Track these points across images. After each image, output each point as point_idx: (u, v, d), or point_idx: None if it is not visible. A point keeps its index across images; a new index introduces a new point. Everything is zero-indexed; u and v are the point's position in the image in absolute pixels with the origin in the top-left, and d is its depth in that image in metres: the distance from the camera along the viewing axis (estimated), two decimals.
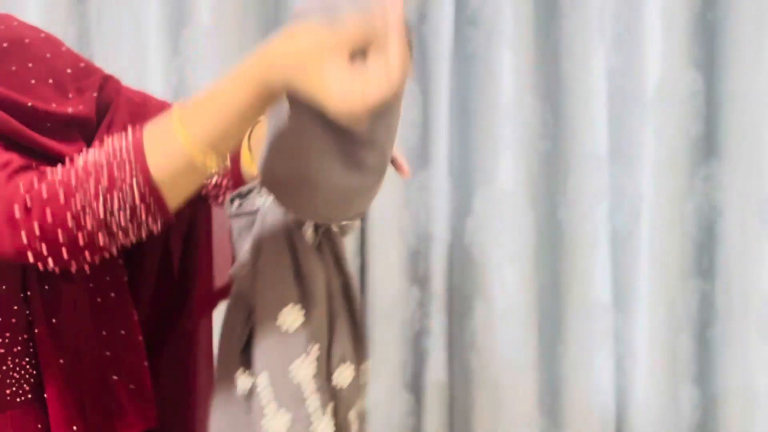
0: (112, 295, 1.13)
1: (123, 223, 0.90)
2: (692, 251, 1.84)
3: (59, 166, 0.93)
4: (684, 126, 1.80)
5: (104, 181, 0.89)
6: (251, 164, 1.11)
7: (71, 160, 0.93)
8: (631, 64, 1.80)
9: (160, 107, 1.15)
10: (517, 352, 1.81)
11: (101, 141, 0.96)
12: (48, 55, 1.07)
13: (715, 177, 1.84)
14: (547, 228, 1.83)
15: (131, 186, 0.89)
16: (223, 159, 0.91)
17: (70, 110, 1.05)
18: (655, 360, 1.83)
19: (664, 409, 1.84)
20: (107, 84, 1.13)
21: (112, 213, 0.89)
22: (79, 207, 0.89)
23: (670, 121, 1.79)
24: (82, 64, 1.12)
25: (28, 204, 0.90)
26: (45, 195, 0.90)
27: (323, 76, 0.82)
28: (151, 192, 0.89)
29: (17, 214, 0.90)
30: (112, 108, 1.12)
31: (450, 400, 1.85)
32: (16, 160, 0.94)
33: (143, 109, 1.15)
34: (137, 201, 0.89)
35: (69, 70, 1.08)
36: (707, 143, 1.83)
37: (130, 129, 0.92)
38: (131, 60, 1.72)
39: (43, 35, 1.09)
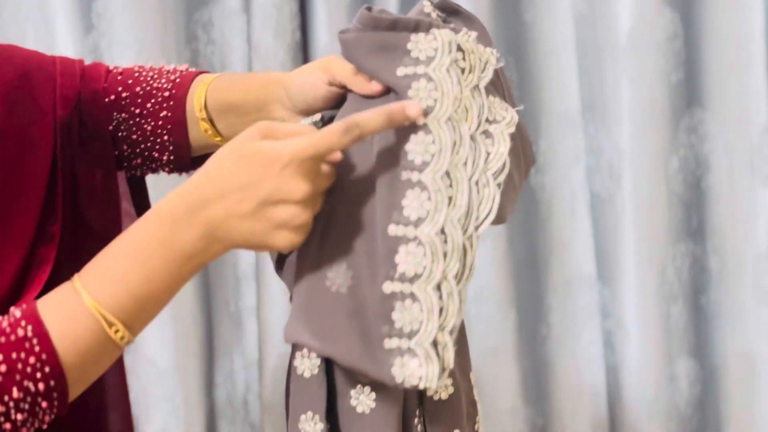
0: None
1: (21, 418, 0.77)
2: (680, 211, 1.82)
3: None
4: (663, 73, 1.77)
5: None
6: (211, 134, 1.00)
7: None
8: (600, 7, 1.76)
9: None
10: (494, 337, 1.78)
11: None
12: None
13: (700, 127, 1.83)
14: (520, 196, 1.72)
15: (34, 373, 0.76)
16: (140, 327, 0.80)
17: None
18: (647, 333, 1.81)
19: (660, 386, 1.82)
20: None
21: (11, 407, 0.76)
22: None
23: (647, 69, 1.75)
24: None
25: None
26: None
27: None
28: (57, 383, 0.77)
29: None
30: None
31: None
32: None
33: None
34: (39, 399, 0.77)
35: None
36: (689, 90, 1.82)
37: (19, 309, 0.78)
38: (38, 43, 1.64)
39: None
